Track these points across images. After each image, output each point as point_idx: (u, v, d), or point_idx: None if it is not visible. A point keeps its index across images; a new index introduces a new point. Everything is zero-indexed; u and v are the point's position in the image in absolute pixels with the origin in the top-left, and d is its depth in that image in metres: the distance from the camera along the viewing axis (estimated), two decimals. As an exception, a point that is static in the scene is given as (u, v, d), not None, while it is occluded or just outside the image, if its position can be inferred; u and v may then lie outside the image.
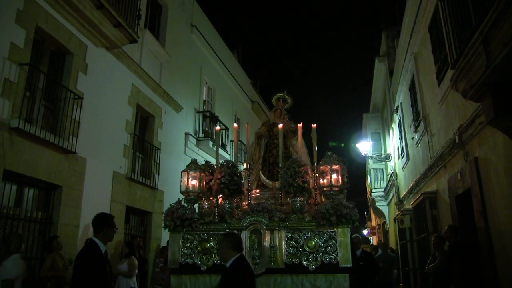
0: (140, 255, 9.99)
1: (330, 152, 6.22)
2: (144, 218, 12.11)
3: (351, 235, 6.08)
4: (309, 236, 5.70)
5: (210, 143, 15.42)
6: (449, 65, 6.41)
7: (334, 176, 5.93)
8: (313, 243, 5.63)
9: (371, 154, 21.06)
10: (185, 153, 14.33)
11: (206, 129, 15.76)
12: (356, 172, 32.09)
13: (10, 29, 7.45)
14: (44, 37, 8.55)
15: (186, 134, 14.75)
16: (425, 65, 10.81)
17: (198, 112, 15.93)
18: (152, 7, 13.69)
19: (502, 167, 6.44)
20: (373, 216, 31.97)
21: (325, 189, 5.99)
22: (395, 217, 15.83)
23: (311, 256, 5.60)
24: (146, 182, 11.76)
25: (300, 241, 5.69)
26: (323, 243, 5.64)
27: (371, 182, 23.07)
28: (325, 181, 5.99)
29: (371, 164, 22.64)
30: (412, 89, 12.82)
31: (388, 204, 21.83)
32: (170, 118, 13.64)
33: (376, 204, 22.58)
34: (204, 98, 16.98)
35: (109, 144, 10.31)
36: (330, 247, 5.61)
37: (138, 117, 12.10)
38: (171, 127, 13.70)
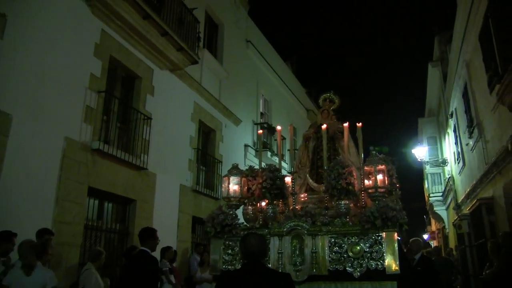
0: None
1: (375, 152, 5.87)
2: (208, 228, 12.83)
3: (401, 239, 5.78)
4: (353, 241, 5.33)
5: (269, 153, 16.05)
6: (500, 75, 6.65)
7: (379, 177, 5.55)
8: (358, 248, 5.26)
9: (427, 159, 21.01)
10: (245, 164, 14.99)
11: (264, 140, 16.39)
12: (413, 176, 31.83)
13: (89, 61, 8.41)
14: (116, 65, 9.47)
15: (245, 146, 15.48)
16: (477, 73, 10.97)
17: (256, 124, 16.63)
18: (209, 27, 14.52)
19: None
20: (432, 221, 31.54)
21: (370, 190, 5.63)
22: (453, 222, 15.86)
23: (355, 262, 5.23)
24: (209, 194, 12.52)
25: (344, 246, 5.34)
26: (368, 248, 5.23)
27: (428, 186, 22.93)
28: (370, 182, 5.63)
29: (428, 169, 22.52)
30: (465, 96, 12.95)
31: (447, 209, 21.67)
32: (230, 132, 14.39)
33: (435, 208, 22.43)
34: (261, 110, 17.72)
35: (176, 159, 11.15)
36: (376, 253, 5.18)
37: (200, 132, 12.92)
38: (231, 140, 14.44)
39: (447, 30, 18.19)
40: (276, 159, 15.94)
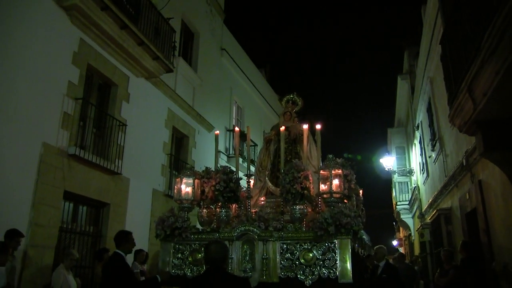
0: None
1: (331, 156, 5.67)
2: (179, 231, 13.17)
3: (358, 246, 5.80)
4: (306, 247, 5.14)
5: (240, 159, 16.42)
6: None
7: (335, 181, 5.39)
8: (310, 255, 5.07)
9: (395, 169, 21.73)
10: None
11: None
12: (384, 184, 32.62)
13: (67, 69, 8.67)
14: (93, 72, 9.74)
15: (217, 152, 15.77)
16: (439, 90, 11.55)
17: (228, 130, 16.99)
18: (185, 35, 14.85)
19: (499, 191, 7.25)
20: (401, 228, 32.36)
21: (325, 195, 5.44)
22: (417, 230, 16.52)
23: (307, 269, 5.03)
24: (181, 198, 12.80)
25: (296, 253, 5.15)
26: (321, 255, 5.04)
27: (396, 195, 23.65)
28: (325, 187, 5.45)
29: (396, 178, 23.23)
30: (429, 110, 13.59)
31: (413, 217, 22.41)
32: (202, 138, 14.72)
33: (401, 216, 23.17)
34: (234, 117, 18.06)
35: (149, 164, 11.45)
36: (329, 260, 4.99)
37: (174, 138, 13.24)
38: (204, 146, 14.77)
39: (416, 45, 18.89)
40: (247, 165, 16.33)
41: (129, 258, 9.15)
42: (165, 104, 12.65)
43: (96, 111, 9.71)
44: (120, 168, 9.92)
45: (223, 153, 16.17)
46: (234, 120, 18.14)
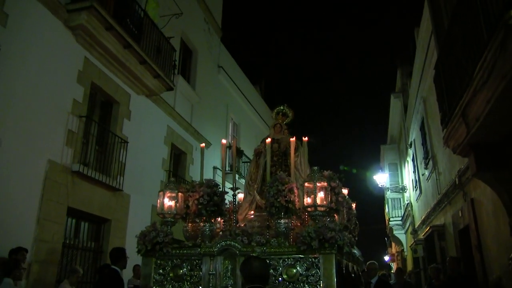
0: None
1: (316, 168, 5.43)
2: (176, 247, 13.34)
3: (348, 261, 5.63)
4: (289, 263, 4.90)
5: (236, 176, 16.62)
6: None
7: (321, 194, 5.16)
8: (294, 271, 4.84)
9: (388, 185, 22.03)
10: (213, 186, 15.51)
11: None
12: (375, 200, 32.89)
13: (72, 87, 8.92)
14: (96, 90, 9.98)
15: (214, 168, 16.04)
16: (432, 110, 11.88)
17: (226, 147, 17.21)
18: (184, 53, 15.14)
19: (490, 209, 7.53)
20: (393, 243, 32.56)
21: (309, 209, 5.21)
22: (410, 246, 16.75)
23: (290, 285, 4.81)
24: (179, 214, 13.00)
25: (279, 268, 4.90)
26: (304, 271, 4.82)
27: (389, 211, 23.92)
28: (310, 200, 5.20)
29: (388, 194, 23.52)
30: (422, 129, 13.91)
31: (406, 233, 22.65)
32: (200, 154, 14.86)
33: (394, 232, 23.40)
34: (230, 134, 18.32)
35: (149, 181, 11.64)
36: (312, 276, 4.76)
37: (172, 155, 13.45)
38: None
39: (409, 64, 19.28)
40: (243, 181, 16.52)
41: (130, 274, 9.38)
42: (164, 121, 12.90)
43: (99, 129, 9.92)
44: (121, 184, 10.12)
45: (219, 169, 16.38)
46: (230, 136, 18.39)
